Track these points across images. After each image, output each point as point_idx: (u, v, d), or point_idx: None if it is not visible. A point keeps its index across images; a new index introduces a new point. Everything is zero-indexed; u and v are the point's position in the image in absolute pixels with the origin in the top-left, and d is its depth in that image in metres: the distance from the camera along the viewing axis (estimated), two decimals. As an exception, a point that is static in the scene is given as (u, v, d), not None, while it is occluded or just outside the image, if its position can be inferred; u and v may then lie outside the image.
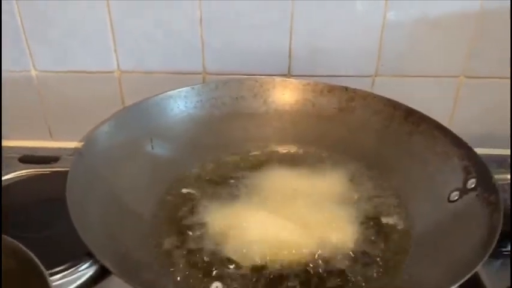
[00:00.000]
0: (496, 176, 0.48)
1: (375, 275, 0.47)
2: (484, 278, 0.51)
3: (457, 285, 0.38)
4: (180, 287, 0.45)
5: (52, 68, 0.71)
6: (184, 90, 0.63)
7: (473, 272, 0.37)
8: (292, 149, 0.64)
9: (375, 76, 0.70)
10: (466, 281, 0.51)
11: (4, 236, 0.38)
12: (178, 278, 0.46)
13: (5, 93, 0.73)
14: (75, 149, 0.50)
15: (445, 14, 0.65)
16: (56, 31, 0.68)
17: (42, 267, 0.35)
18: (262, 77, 0.67)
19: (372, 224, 0.53)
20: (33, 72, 0.72)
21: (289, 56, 0.69)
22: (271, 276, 0.46)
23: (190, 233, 0.51)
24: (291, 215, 0.53)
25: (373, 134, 0.61)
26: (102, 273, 0.52)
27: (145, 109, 0.59)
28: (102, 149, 0.53)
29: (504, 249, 0.53)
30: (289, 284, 0.46)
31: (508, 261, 0.52)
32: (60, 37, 0.69)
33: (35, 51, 0.70)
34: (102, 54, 0.70)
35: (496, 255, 0.53)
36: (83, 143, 0.52)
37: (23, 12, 0.67)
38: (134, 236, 0.49)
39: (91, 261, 0.51)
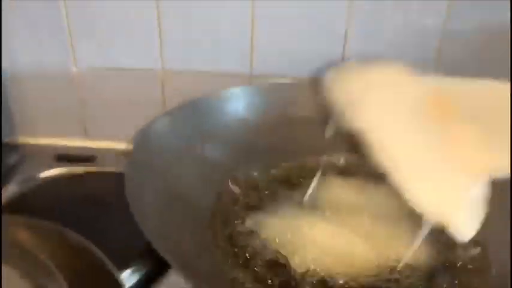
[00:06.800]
0: None
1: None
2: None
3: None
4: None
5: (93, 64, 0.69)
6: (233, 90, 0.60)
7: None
8: (348, 158, 0.61)
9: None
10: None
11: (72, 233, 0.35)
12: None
13: (42, 89, 0.71)
14: (131, 143, 0.47)
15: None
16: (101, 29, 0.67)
17: (111, 266, 0.32)
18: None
19: (437, 236, 0.49)
20: (74, 69, 0.70)
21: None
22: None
23: (245, 238, 0.48)
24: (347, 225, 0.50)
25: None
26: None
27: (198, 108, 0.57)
28: (159, 143, 0.50)
29: None
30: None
31: None
32: (105, 34, 0.67)
33: (78, 47, 0.68)
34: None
35: None
36: (135, 138, 0.49)
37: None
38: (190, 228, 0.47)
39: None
